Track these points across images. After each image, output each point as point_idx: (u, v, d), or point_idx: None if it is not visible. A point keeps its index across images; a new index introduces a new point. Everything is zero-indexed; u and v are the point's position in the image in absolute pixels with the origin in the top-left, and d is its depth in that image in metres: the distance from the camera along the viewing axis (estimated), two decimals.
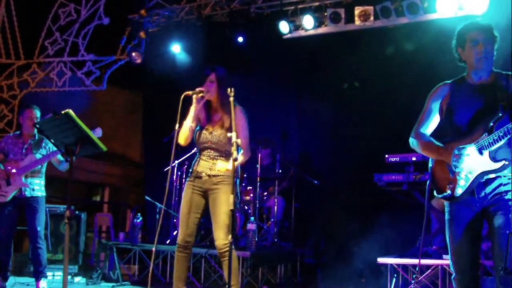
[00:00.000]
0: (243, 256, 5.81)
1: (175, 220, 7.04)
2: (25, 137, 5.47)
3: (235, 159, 3.37)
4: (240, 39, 7.70)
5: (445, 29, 4.10)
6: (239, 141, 3.52)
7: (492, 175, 2.88)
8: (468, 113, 2.98)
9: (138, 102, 9.99)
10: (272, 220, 6.79)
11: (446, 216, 3.02)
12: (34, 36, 8.98)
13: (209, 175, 3.98)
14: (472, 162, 2.89)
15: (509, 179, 2.87)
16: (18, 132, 5.58)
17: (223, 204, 3.85)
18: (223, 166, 3.89)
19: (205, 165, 4.02)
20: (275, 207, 6.77)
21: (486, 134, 2.88)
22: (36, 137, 5.48)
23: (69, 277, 6.49)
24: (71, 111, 3.51)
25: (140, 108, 9.88)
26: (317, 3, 7.17)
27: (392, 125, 6.34)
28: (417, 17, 6.52)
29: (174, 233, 6.84)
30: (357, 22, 6.78)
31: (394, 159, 5.83)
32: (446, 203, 3.03)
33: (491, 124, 2.87)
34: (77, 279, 6.58)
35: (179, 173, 7.28)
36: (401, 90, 6.54)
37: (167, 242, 6.68)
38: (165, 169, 7.51)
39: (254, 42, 7.72)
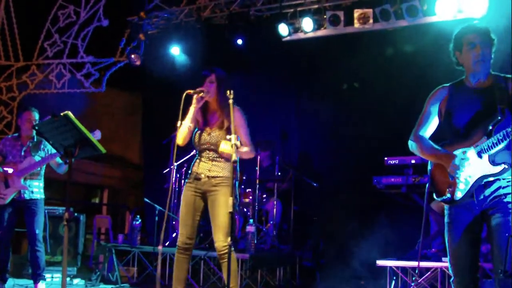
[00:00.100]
0: (242, 258, 5.81)
1: (174, 222, 7.03)
2: (24, 139, 5.47)
3: (234, 162, 3.37)
4: (240, 41, 7.70)
5: (444, 32, 4.10)
6: (238, 143, 3.52)
7: (491, 178, 2.88)
8: (466, 116, 2.98)
9: (137, 104, 9.99)
10: (271, 222, 6.78)
11: (446, 219, 3.02)
12: (33, 38, 8.98)
13: (208, 177, 3.98)
14: (472, 166, 2.88)
15: (508, 182, 2.87)
16: (16, 134, 5.57)
17: (222, 206, 3.84)
18: (227, 148, 3.78)
19: (204, 166, 4.02)
20: (274, 209, 6.77)
21: (486, 137, 2.88)
22: (35, 139, 5.47)
23: (68, 279, 6.48)
24: (70, 113, 3.51)
25: (139, 110, 9.88)
26: (316, 6, 7.18)
27: (391, 126, 6.36)
28: (417, 19, 6.52)
29: (173, 235, 6.84)
30: (356, 24, 6.78)
31: (393, 161, 5.83)
32: (445, 206, 3.03)
33: (490, 127, 2.87)
34: (76, 281, 6.58)
35: (178, 175, 7.28)
36: (400, 91, 6.56)
37: (166, 244, 6.68)
38: (164, 171, 7.52)
39: (253, 45, 7.73)
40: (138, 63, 8.22)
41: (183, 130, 4.02)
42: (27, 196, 5.31)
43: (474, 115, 2.95)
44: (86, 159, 8.51)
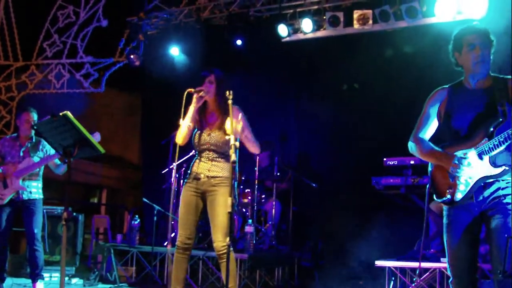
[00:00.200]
0: (241, 259, 5.82)
1: (172, 222, 7.03)
2: (22, 139, 5.45)
3: (234, 162, 3.38)
4: (239, 42, 7.70)
5: (444, 33, 4.10)
6: (237, 143, 3.53)
7: (491, 179, 2.88)
8: (466, 117, 2.98)
9: (136, 104, 9.98)
10: (270, 222, 6.79)
11: (444, 220, 3.02)
12: (32, 38, 8.97)
13: (207, 177, 3.99)
14: (472, 167, 2.88)
15: (507, 183, 2.87)
16: (15, 135, 5.56)
17: (221, 206, 3.85)
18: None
19: (204, 166, 4.03)
20: (273, 210, 6.77)
21: (487, 139, 2.88)
22: (34, 140, 5.46)
23: (66, 278, 6.48)
24: (69, 113, 3.51)
25: (138, 110, 9.87)
26: (316, 7, 7.18)
27: (391, 127, 6.36)
28: (416, 21, 6.52)
29: (172, 235, 6.84)
30: (356, 25, 6.78)
31: (392, 162, 5.83)
32: (444, 207, 3.03)
33: (491, 129, 2.87)
34: (74, 280, 6.57)
35: (177, 175, 7.27)
36: (400, 93, 6.56)
37: (165, 244, 6.67)
38: (163, 172, 7.51)
39: (253, 45, 7.73)
40: (137, 63, 8.21)
41: (183, 129, 4.03)
42: (25, 196, 5.30)
43: (474, 117, 2.95)
44: (85, 159, 8.51)
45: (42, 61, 8.96)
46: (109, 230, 8.10)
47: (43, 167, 5.43)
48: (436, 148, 3.05)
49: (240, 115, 3.99)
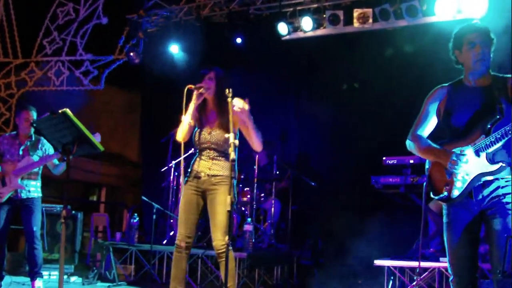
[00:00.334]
0: (240, 257, 5.81)
1: (171, 221, 7.03)
2: (22, 137, 5.43)
3: (233, 160, 3.37)
4: (239, 40, 7.69)
5: (444, 32, 4.10)
6: (236, 142, 3.52)
7: (489, 177, 2.89)
8: (465, 115, 2.98)
9: (136, 102, 9.97)
10: (269, 221, 6.78)
11: (444, 219, 3.02)
12: (32, 35, 8.97)
13: (208, 175, 3.98)
14: (469, 164, 2.89)
15: (506, 181, 2.88)
16: (14, 133, 5.53)
17: (221, 204, 3.83)
18: (239, 105, 3.73)
19: (204, 165, 4.02)
20: (272, 208, 6.77)
21: (484, 136, 2.89)
22: (33, 138, 5.44)
23: (65, 276, 6.47)
24: (68, 110, 3.50)
25: (138, 108, 9.87)
26: (316, 5, 7.17)
27: (391, 126, 6.35)
28: (416, 19, 6.52)
29: (171, 233, 6.84)
30: (356, 24, 6.77)
31: (392, 161, 5.83)
32: (444, 205, 3.03)
33: (489, 126, 2.88)
34: (73, 278, 6.56)
35: (176, 174, 7.27)
36: (400, 91, 6.56)
37: (164, 242, 6.67)
38: (162, 169, 7.51)
39: (252, 43, 7.72)
40: (137, 61, 8.21)
41: (184, 126, 4.02)
42: (24, 195, 5.28)
43: (473, 114, 2.96)
44: (84, 156, 8.50)
45: (41, 59, 8.95)
46: (108, 228, 8.10)
47: (42, 166, 5.42)
48: (434, 145, 3.05)
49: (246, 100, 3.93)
